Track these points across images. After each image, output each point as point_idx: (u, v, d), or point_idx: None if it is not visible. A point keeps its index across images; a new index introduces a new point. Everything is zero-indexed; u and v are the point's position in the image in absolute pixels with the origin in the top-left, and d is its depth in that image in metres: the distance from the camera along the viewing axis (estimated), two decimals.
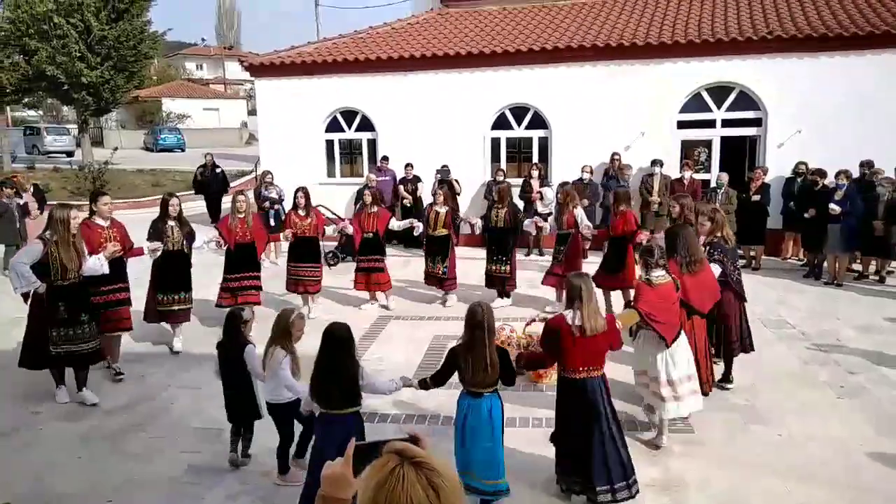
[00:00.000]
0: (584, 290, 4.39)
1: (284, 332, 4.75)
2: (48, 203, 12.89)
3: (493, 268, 9.29)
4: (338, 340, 4.09)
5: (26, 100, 28.98)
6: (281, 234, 8.76)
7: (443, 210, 9.27)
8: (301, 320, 4.88)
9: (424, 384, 4.62)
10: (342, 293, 9.95)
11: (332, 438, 3.96)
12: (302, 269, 8.82)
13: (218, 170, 16.21)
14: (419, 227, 9.33)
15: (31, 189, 12.57)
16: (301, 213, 8.82)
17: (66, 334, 6.03)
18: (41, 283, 5.91)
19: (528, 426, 5.68)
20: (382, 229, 9.12)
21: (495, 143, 13.90)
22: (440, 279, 9.38)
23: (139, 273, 7.63)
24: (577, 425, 4.43)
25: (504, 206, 9.24)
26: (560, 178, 12.83)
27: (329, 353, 4.09)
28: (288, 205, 10.60)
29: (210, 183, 15.96)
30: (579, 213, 8.90)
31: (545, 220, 10.39)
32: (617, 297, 8.80)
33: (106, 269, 6.38)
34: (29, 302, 6.14)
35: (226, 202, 15.02)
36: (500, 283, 9.36)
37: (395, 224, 9.36)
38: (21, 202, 11.80)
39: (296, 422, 4.90)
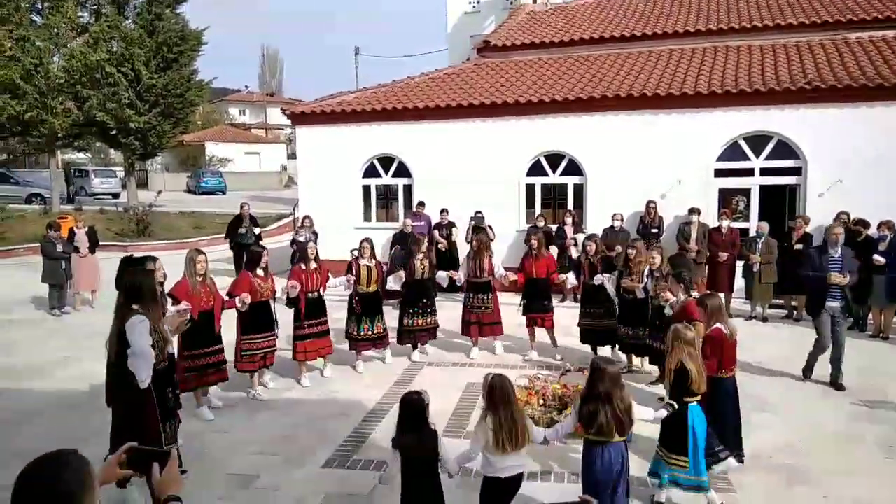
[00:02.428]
0: (722, 307, 5.85)
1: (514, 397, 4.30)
2: (100, 244, 13.28)
3: (420, 321, 8.94)
4: (608, 373, 4.30)
5: (76, 144, 30.05)
6: (237, 300, 7.25)
7: (372, 264, 8.59)
8: None
9: (672, 406, 5.00)
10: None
11: (609, 465, 4.27)
12: (261, 340, 7.60)
13: (257, 230, 14.23)
14: (351, 283, 8.46)
15: (86, 229, 12.89)
16: (261, 272, 7.64)
17: (170, 428, 5.09)
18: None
19: (564, 481, 5.54)
20: (325, 288, 8.25)
21: (530, 189, 13.97)
22: (379, 338, 8.70)
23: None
24: (730, 410, 5.69)
25: (426, 258, 9.06)
26: (595, 225, 12.84)
27: (601, 385, 4.27)
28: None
29: (245, 236, 13.77)
30: (496, 261, 9.22)
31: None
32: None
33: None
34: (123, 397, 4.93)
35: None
36: (429, 335, 9.11)
37: (333, 281, 8.44)
38: (61, 249, 12.13)
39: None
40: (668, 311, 7.17)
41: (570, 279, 9.21)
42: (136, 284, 4.93)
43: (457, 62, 17.86)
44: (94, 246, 12.72)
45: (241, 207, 14.39)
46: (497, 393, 4.11)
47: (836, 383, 7.75)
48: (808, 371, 8.06)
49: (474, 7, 27.80)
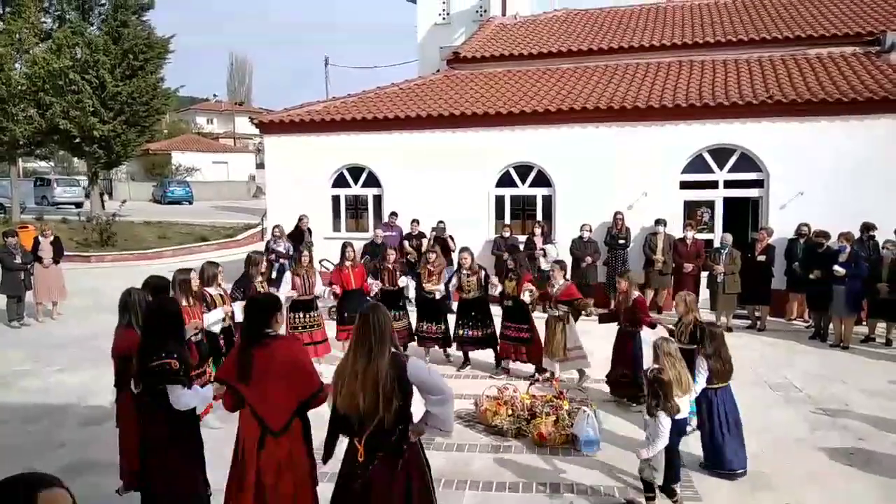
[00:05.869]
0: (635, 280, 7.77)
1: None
2: (65, 254, 12.98)
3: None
4: (723, 335, 5.69)
5: (38, 152, 29.43)
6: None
7: (218, 293, 7.62)
8: None
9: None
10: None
11: (732, 400, 5.83)
12: None
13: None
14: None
15: (51, 238, 12.58)
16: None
17: None
18: None
19: (532, 491, 5.55)
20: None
21: (499, 200, 14.04)
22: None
23: None
24: None
25: (266, 279, 8.60)
26: (564, 236, 12.94)
27: (717, 343, 5.65)
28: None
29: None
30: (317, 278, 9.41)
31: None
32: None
33: None
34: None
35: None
36: None
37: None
38: (20, 260, 11.80)
39: None
40: (526, 297, 8.40)
41: (374, 284, 9.57)
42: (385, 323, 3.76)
43: (427, 73, 17.92)
44: (58, 256, 12.44)
45: (300, 220, 13.72)
46: (674, 352, 5.26)
47: None
48: None
49: (444, 19, 27.92)
